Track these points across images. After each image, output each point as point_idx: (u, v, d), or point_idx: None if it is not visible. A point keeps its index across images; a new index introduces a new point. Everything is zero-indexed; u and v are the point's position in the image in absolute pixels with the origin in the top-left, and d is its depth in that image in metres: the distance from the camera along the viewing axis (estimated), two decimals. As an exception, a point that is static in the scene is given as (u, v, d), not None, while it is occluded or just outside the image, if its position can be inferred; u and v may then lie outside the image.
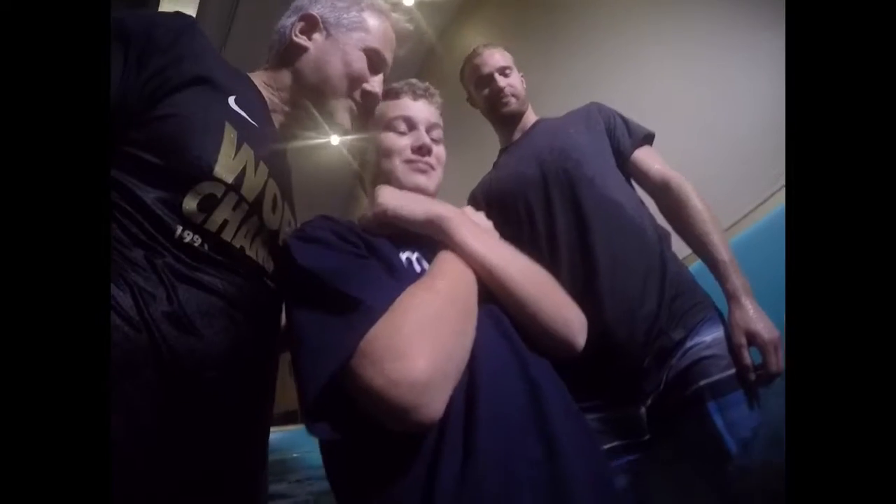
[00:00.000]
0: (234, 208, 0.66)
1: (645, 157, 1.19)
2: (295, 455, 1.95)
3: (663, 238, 1.10)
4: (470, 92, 1.35)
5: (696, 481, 0.93)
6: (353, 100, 0.86)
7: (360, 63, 0.85)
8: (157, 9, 3.37)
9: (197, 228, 0.63)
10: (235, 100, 0.72)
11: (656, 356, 0.97)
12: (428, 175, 0.82)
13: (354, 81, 0.85)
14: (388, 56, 0.90)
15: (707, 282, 1.05)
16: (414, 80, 0.89)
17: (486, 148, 1.42)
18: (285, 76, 0.85)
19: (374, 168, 0.85)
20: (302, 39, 0.86)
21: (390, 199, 0.74)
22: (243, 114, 0.72)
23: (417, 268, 0.69)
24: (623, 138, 1.20)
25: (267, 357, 0.72)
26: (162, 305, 0.57)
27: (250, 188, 0.68)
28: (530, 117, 1.32)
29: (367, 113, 0.88)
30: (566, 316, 0.68)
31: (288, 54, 0.86)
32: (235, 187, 0.65)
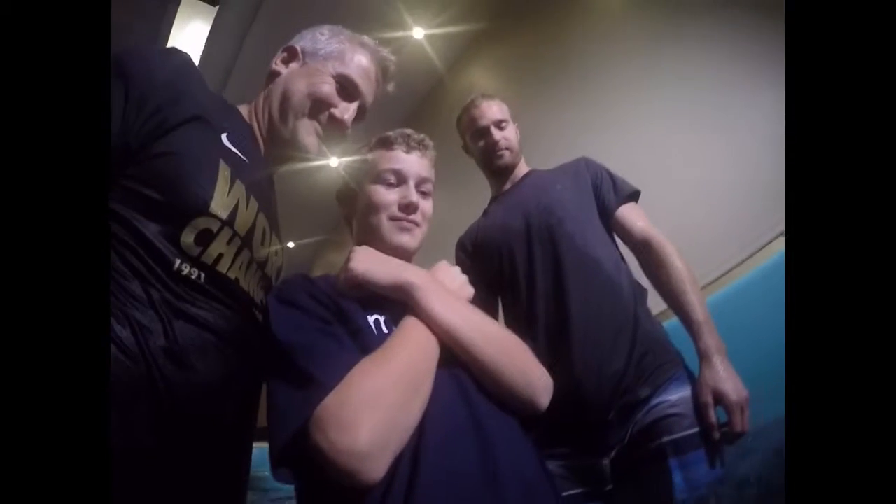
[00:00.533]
0: (229, 242, 0.70)
1: (629, 214, 1.23)
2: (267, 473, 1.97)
3: (639, 295, 1.14)
4: (466, 141, 1.39)
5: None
6: (319, 122, 0.87)
7: (326, 87, 0.87)
8: (172, 23, 3.44)
9: (194, 261, 0.66)
10: (227, 136, 0.76)
11: (622, 411, 1.01)
12: (412, 233, 0.85)
13: (318, 103, 0.86)
14: (364, 85, 0.91)
15: (684, 338, 1.08)
16: (409, 131, 0.90)
17: (484, 184, 1.47)
18: (261, 103, 0.89)
19: (360, 218, 0.88)
20: (279, 67, 0.90)
21: (361, 263, 0.76)
22: (235, 150, 0.76)
23: (385, 330, 0.73)
24: (608, 195, 1.24)
25: (253, 386, 0.75)
26: (159, 340, 0.60)
27: (242, 223, 0.72)
28: (522, 168, 1.37)
29: (336, 139, 0.91)
30: (529, 378, 0.72)
31: (267, 83, 0.90)
32: (230, 222, 0.69)
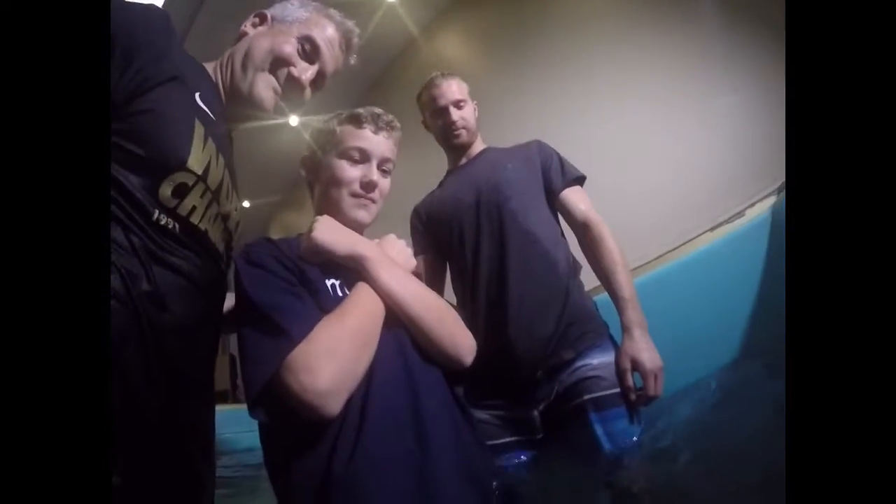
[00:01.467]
0: (202, 196, 0.75)
1: (572, 196, 1.33)
2: (227, 435, 2.21)
3: (573, 270, 1.28)
4: (425, 118, 1.46)
5: (581, 478, 1.08)
6: (277, 79, 0.90)
7: (287, 46, 0.90)
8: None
9: (171, 212, 0.72)
10: (200, 96, 0.80)
11: (548, 371, 1.15)
12: (368, 210, 0.94)
13: (278, 61, 0.90)
14: (326, 50, 0.94)
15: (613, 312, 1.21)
16: (378, 111, 0.96)
17: (443, 155, 1.51)
18: (226, 60, 0.92)
19: (322, 188, 0.95)
20: (248, 28, 0.94)
21: (323, 233, 0.86)
22: (206, 109, 0.80)
23: (340, 293, 0.84)
24: (556, 178, 1.33)
25: (215, 329, 0.83)
26: (143, 285, 0.65)
27: (214, 179, 0.77)
28: (478, 145, 1.46)
29: (293, 100, 0.94)
30: (456, 340, 0.86)
31: (235, 44, 0.94)
32: (203, 178, 0.74)
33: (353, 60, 1.02)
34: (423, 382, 0.79)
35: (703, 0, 2.42)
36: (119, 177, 0.67)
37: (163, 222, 0.70)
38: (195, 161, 0.73)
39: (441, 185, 1.47)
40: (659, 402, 1.10)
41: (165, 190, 0.70)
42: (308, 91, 0.95)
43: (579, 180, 1.36)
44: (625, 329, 1.14)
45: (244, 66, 0.88)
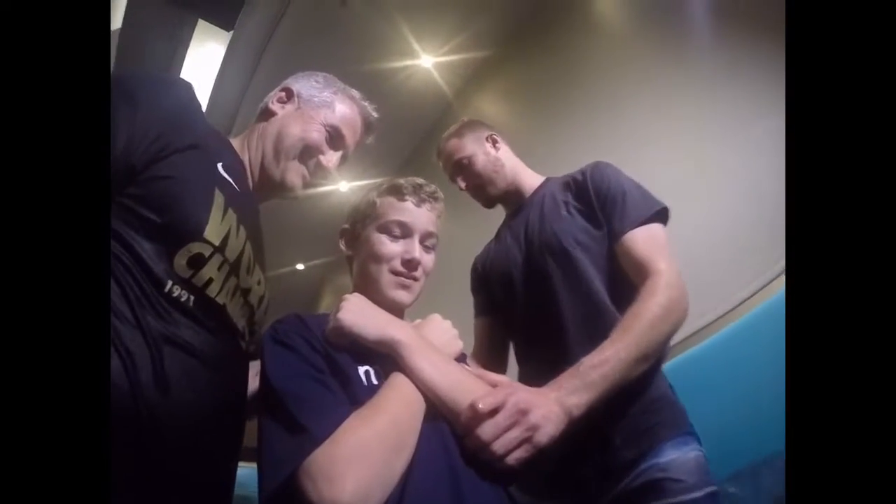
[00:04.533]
0: (219, 268, 0.73)
1: (633, 241, 1.03)
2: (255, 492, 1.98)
3: None
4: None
5: None
6: (307, 167, 0.95)
7: (317, 134, 0.94)
8: (188, 47, 3.52)
9: (185, 284, 0.69)
10: (223, 166, 0.80)
11: (603, 471, 0.94)
12: (409, 290, 0.87)
13: (309, 149, 0.94)
14: (349, 137, 0.99)
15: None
16: (421, 182, 0.90)
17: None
18: (255, 138, 0.95)
19: (361, 263, 0.90)
20: (275, 106, 0.97)
21: (349, 314, 0.78)
22: (229, 179, 0.80)
23: (375, 381, 0.76)
24: (616, 219, 1.06)
25: (235, 410, 0.78)
26: (146, 368, 0.62)
27: (232, 250, 0.75)
28: (528, 182, 1.26)
29: (318, 184, 0.98)
30: None
31: (261, 120, 0.97)
32: (221, 249, 0.72)
33: (369, 140, 1.07)
34: (469, 485, 0.68)
35: (722, 32, 2.42)
36: (133, 243, 0.66)
37: (175, 294, 0.68)
38: (213, 231, 0.71)
39: (497, 235, 1.30)
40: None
41: (181, 259, 0.68)
42: (332, 175, 1.00)
43: (652, 218, 1.05)
44: (563, 374, 0.81)
45: (276, 153, 0.92)
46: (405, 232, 0.87)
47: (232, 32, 3.43)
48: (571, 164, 1.24)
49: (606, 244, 1.07)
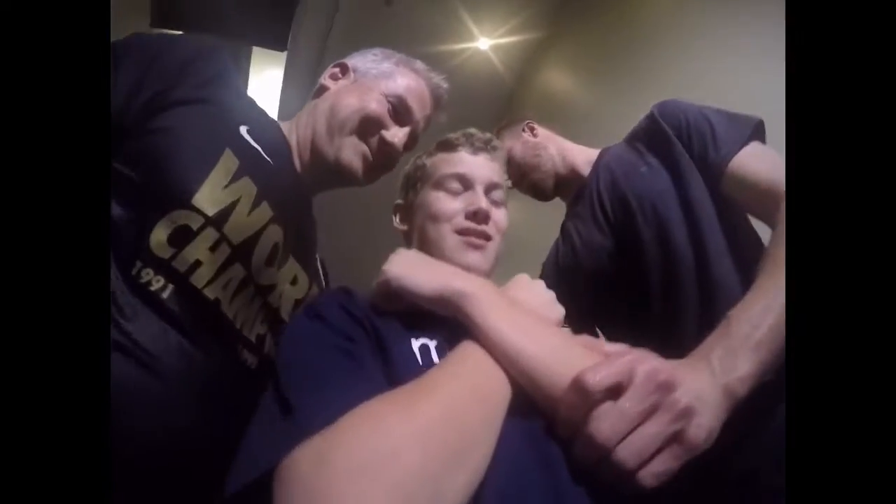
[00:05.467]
0: (213, 249, 0.53)
1: (745, 168, 0.81)
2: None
3: None
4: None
5: None
6: (368, 145, 0.79)
7: (378, 104, 0.78)
8: (248, 76, 3.64)
9: (162, 267, 0.50)
10: (249, 130, 0.63)
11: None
12: (483, 251, 0.69)
13: (369, 122, 0.78)
14: (416, 109, 0.83)
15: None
16: (473, 131, 0.77)
17: None
18: (304, 116, 0.80)
19: (420, 231, 0.73)
20: (329, 82, 0.83)
21: (396, 266, 0.59)
22: (256, 146, 0.63)
23: (437, 359, 0.53)
24: (712, 148, 0.85)
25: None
26: None
27: (238, 228, 0.55)
28: (580, 157, 1.09)
29: (384, 166, 0.80)
30: None
31: (315, 99, 0.83)
32: (216, 222, 0.53)
33: (443, 119, 0.88)
34: (570, 492, 0.43)
35: None
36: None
37: (144, 279, 0.48)
38: (206, 198, 0.52)
39: (562, 231, 1.10)
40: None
41: (160, 234, 0.49)
42: (400, 156, 0.81)
43: (753, 136, 0.84)
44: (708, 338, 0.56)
45: (329, 128, 0.77)
46: (465, 184, 0.73)
47: (286, 52, 3.48)
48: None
49: (703, 190, 0.85)
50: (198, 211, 0.52)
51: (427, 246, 0.72)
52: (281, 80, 3.73)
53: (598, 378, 0.42)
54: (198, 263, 0.52)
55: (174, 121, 0.54)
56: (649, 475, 0.40)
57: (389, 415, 0.39)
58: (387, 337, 0.53)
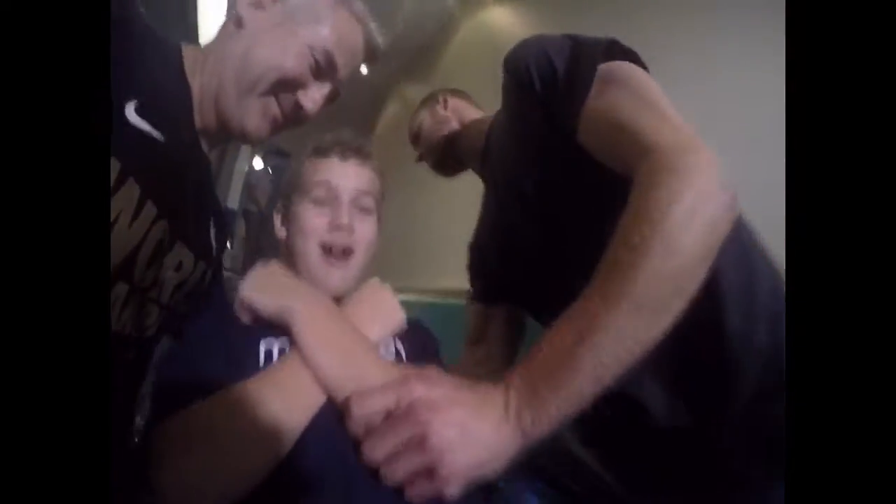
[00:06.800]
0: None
1: (594, 118, 0.62)
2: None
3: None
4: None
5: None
6: (280, 104, 0.67)
7: (298, 60, 0.65)
8: None
9: None
10: (137, 106, 0.52)
11: None
12: (343, 269, 0.72)
13: (285, 83, 0.65)
14: (343, 64, 0.70)
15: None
16: (346, 136, 0.75)
17: None
18: (213, 62, 0.66)
19: (290, 244, 0.74)
20: (246, 12, 0.67)
21: (249, 284, 0.67)
22: (144, 125, 0.53)
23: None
24: (560, 98, 0.65)
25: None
26: None
27: (117, 247, 0.50)
28: (479, 122, 0.98)
29: (293, 125, 0.71)
30: None
31: (225, 31, 0.68)
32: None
33: (364, 71, 0.76)
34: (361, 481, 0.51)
35: None
36: None
37: None
38: None
39: (483, 205, 1.02)
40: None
41: None
42: (314, 117, 0.71)
43: (610, 64, 0.64)
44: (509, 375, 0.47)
45: (238, 84, 0.64)
46: (330, 193, 0.73)
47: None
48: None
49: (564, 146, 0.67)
50: None
51: (294, 258, 0.73)
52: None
53: (363, 404, 0.44)
54: None
55: None
56: (413, 495, 0.42)
57: (211, 406, 0.54)
58: (235, 341, 0.64)
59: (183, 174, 0.62)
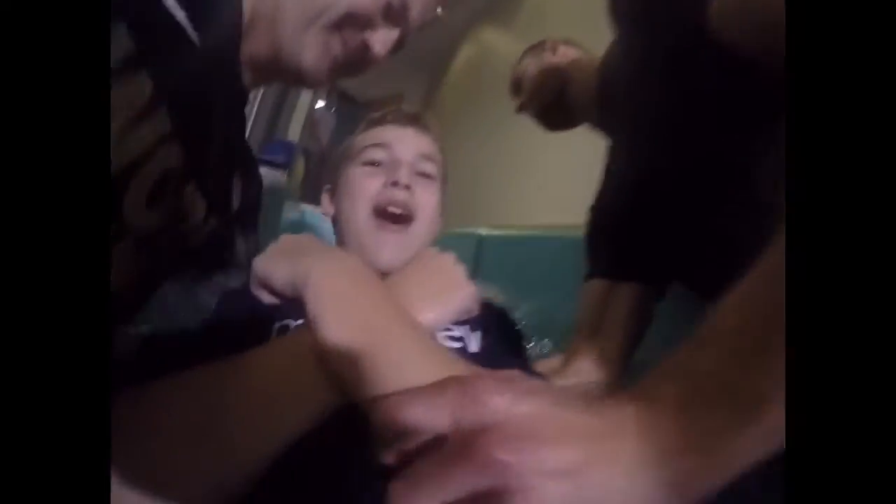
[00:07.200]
0: None
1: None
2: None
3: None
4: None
5: None
6: (343, 44, 0.57)
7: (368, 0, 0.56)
8: None
9: None
10: None
11: None
12: (400, 238, 0.59)
13: (355, 16, 0.55)
14: (419, 8, 0.61)
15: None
16: (403, 107, 0.71)
17: None
18: None
19: (339, 214, 0.64)
20: None
21: (262, 258, 0.54)
22: (180, 12, 0.43)
23: None
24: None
25: None
26: None
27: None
28: (587, 72, 0.88)
29: (354, 72, 0.62)
30: None
31: None
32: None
33: (440, 11, 0.66)
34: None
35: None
36: None
37: None
38: None
39: (608, 160, 0.96)
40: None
41: None
42: (378, 64, 0.62)
43: None
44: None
45: (303, 13, 0.54)
46: (388, 154, 0.63)
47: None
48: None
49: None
50: None
51: (343, 229, 0.63)
52: None
53: (398, 414, 0.28)
54: None
55: None
56: None
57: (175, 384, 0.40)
58: (244, 322, 0.51)
59: (212, 100, 0.51)
